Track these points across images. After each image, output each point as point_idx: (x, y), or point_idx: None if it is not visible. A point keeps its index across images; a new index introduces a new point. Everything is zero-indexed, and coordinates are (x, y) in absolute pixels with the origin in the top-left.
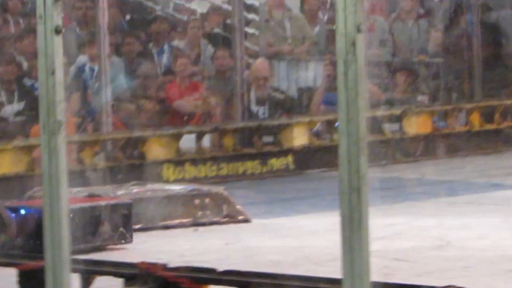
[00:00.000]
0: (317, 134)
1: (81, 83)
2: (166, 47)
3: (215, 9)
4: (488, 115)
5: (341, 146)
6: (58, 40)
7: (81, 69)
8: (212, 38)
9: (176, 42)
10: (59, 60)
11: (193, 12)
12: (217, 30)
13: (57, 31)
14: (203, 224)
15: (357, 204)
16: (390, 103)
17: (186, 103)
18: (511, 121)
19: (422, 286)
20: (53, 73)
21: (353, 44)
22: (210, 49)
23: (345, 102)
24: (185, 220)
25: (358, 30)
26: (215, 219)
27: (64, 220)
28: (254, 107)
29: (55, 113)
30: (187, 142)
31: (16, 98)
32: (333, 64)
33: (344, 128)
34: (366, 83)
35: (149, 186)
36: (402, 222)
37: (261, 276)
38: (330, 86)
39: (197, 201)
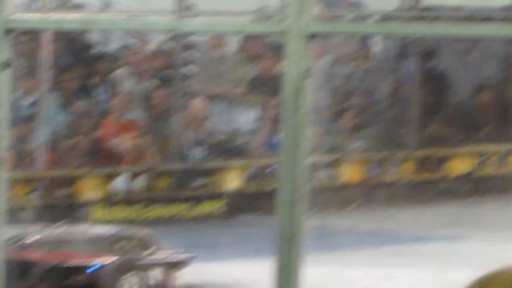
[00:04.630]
0: (250, 178)
1: (15, 119)
2: (105, 84)
3: (158, 49)
4: (421, 165)
5: (281, 193)
6: (4, 76)
7: (15, 104)
8: (152, 77)
9: (117, 78)
10: (5, 96)
11: (137, 50)
12: (159, 69)
13: (4, 65)
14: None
15: (293, 253)
16: (326, 149)
17: (121, 142)
18: (443, 172)
19: None
20: None
21: (300, 89)
22: (149, 87)
23: (288, 149)
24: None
25: (307, 75)
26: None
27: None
28: (190, 148)
29: None
30: (121, 182)
31: None
32: (278, 105)
33: (285, 175)
34: (310, 129)
35: (77, 227)
36: (331, 271)
37: None
38: (273, 128)
39: (121, 243)
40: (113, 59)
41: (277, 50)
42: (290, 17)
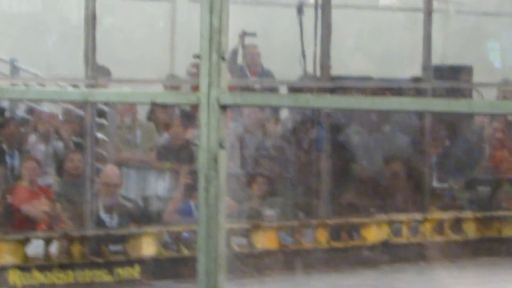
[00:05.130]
0: (165, 245)
1: None
2: (16, 150)
3: (69, 115)
4: (335, 233)
5: (200, 262)
6: None
7: None
8: (64, 142)
9: (27, 144)
10: None
11: (49, 114)
12: (70, 135)
13: None
14: None
15: None
16: (238, 216)
17: (33, 208)
18: (357, 240)
19: None
20: None
21: (215, 159)
22: (61, 153)
23: (205, 218)
24: None
25: (221, 146)
26: None
27: None
28: (102, 215)
29: None
30: (35, 248)
31: None
32: (192, 172)
33: (203, 244)
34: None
35: None
36: None
37: None
38: (188, 195)
39: None
40: (23, 124)
41: (187, 117)
42: (202, 89)
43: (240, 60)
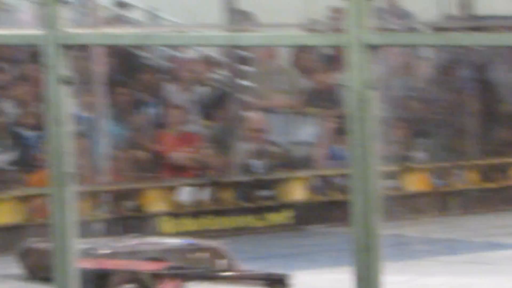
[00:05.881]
0: (315, 189)
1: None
2: (158, 98)
3: (208, 59)
4: (486, 174)
5: (354, 204)
6: (65, 90)
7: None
8: (208, 89)
9: (169, 89)
10: (67, 110)
11: (191, 61)
12: (214, 82)
13: (65, 80)
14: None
15: (371, 263)
16: (388, 159)
17: (181, 154)
18: (510, 180)
19: None
20: (61, 124)
21: (365, 101)
22: (206, 100)
23: (358, 160)
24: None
25: (371, 86)
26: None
27: (72, 270)
28: (250, 160)
29: (64, 165)
30: (185, 194)
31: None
32: (339, 116)
33: (357, 186)
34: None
35: (148, 239)
36: (403, 280)
37: None
38: (335, 139)
39: (195, 255)
40: (163, 72)
41: (330, 61)
42: (350, 30)
43: (379, 3)
